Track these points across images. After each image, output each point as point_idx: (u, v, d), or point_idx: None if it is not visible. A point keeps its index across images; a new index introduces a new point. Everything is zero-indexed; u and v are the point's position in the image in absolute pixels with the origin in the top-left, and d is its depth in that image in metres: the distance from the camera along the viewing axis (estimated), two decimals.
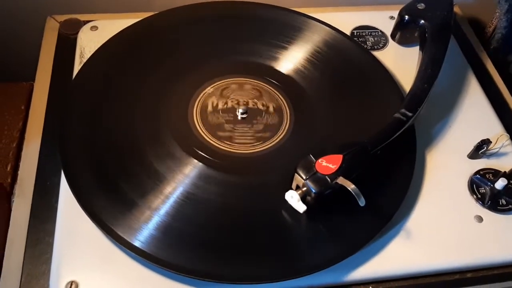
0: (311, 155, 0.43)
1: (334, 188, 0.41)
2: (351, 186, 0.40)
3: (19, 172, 0.48)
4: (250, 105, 0.52)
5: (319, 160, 0.42)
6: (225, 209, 0.45)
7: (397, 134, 0.46)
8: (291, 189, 0.43)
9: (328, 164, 0.42)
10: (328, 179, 0.41)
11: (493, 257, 0.46)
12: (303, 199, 0.42)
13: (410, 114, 0.47)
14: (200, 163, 0.47)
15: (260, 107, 0.52)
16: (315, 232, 0.44)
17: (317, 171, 0.42)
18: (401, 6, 0.59)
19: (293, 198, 0.42)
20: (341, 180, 0.41)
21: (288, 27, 0.58)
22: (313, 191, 0.41)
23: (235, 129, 0.50)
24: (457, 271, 0.45)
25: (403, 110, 0.48)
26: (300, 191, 0.42)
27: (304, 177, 0.42)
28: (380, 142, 0.45)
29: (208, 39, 0.57)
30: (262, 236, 0.44)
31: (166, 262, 0.41)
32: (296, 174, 0.42)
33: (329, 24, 0.59)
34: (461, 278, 0.45)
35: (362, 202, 0.40)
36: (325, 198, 0.42)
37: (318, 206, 0.42)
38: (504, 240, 0.46)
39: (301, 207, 0.42)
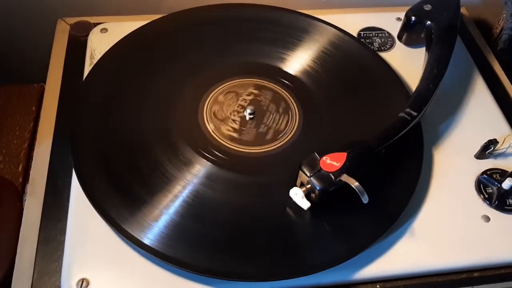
0: (315, 153, 0.43)
1: (338, 185, 0.41)
2: (354, 184, 0.40)
3: (30, 172, 0.49)
4: (258, 106, 0.52)
5: (324, 158, 0.43)
6: (233, 207, 0.45)
7: (401, 133, 0.46)
8: (296, 186, 0.44)
9: (332, 161, 0.42)
10: (332, 177, 0.42)
11: (500, 256, 0.46)
12: (308, 196, 0.43)
13: (415, 113, 0.48)
14: (209, 163, 0.47)
15: (268, 107, 0.52)
16: (322, 231, 0.44)
17: (321, 169, 0.42)
18: (407, 8, 0.59)
19: (297, 195, 0.43)
20: (345, 178, 0.41)
21: (295, 28, 0.59)
22: (317, 188, 0.41)
23: (243, 129, 0.50)
24: (464, 270, 0.45)
25: (408, 110, 0.48)
26: (304, 188, 0.42)
27: (308, 174, 0.42)
28: (385, 141, 0.45)
29: (217, 40, 0.58)
30: (270, 234, 0.44)
31: (176, 260, 0.41)
32: (300, 171, 0.43)
33: (336, 26, 0.59)
34: (468, 278, 0.45)
35: (365, 199, 0.40)
36: (329, 195, 0.42)
37: (322, 203, 0.43)
38: (511, 239, 0.46)
39: (305, 204, 0.42)
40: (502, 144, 0.51)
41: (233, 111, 0.52)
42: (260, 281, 0.42)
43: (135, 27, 0.57)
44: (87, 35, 0.59)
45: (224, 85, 0.54)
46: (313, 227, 0.44)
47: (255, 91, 0.54)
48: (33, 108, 0.57)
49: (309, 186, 0.42)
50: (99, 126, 0.49)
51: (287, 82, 0.55)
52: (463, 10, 0.68)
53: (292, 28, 0.59)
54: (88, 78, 0.53)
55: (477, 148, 0.51)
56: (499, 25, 0.68)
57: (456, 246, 0.46)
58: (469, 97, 0.57)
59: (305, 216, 0.44)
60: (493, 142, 0.50)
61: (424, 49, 0.57)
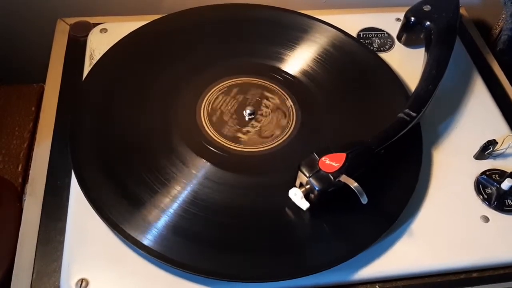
0: (314, 153, 0.43)
1: (337, 186, 0.41)
2: (353, 184, 0.40)
3: (30, 172, 0.49)
4: (257, 106, 0.52)
5: (323, 158, 0.43)
6: (232, 208, 0.45)
7: (400, 134, 0.46)
8: (295, 186, 0.44)
9: (331, 162, 0.42)
10: (331, 177, 0.42)
11: (499, 257, 0.46)
12: (307, 196, 0.43)
13: (414, 114, 0.48)
14: (208, 163, 0.47)
15: (267, 107, 0.52)
16: (322, 232, 0.44)
17: (320, 169, 0.42)
18: (407, 8, 0.59)
19: (296, 195, 0.43)
20: (344, 178, 0.41)
21: (295, 29, 0.59)
22: (316, 188, 0.41)
23: (242, 129, 0.50)
24: (463, 270, 0.45)
25: (407, 110, 0.48)
26: (303, 189, 0.42)
27: (307, 175, 0.42)
28: (384, 141, 0.45)
29: (216, 41, 0.58)
30: (269, 235, 0.44)
31: (175, 261, 0.41)
32: (299, 172, 0.43)
33: (335, 26, 0.59)
34: (466, 278, 0.45)
35: (364, 200, 0.40)
36: (328, 195, 0.42)
37: (321, 203, 0.43)
38: (510, 240, 0.46)
39: (304, 205, 0.42)
40: (501, 144, 0.51)
41: (232, 111, 0.52)
42: (259, 281, 0.42)
43: (135, 28, 0.57)
44: (87, 35, 0.59)
45: (223, 85, 0.54)
46: (312, 227, 0.44)
47: (254, 91, 0.54)
48: (33, 108, 0.57)
49: (308, 186, 0.42)
50: (99, 126, 0.49)
51: (286, 82, 0.55)
52: (462, 11, 0.68)
53: (291, 28, 0.59)
54: (87, 79, 0.53)
55: (476, 148, 0.51)
56: (498, 26, 0.68)
57: (455, 247, 0.46)
58: (469, 97, 0.57)
59: (304, 216, 0.44)
60: (492, 143, 0.50)
61: (423, 49, 0.57)
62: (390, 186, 0.47)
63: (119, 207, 0.44)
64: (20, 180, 0.51)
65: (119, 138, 0.49)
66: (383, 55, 0.59)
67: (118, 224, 0.43)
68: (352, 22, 0.63)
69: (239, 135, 0.50)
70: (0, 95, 0.58)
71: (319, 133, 0.51)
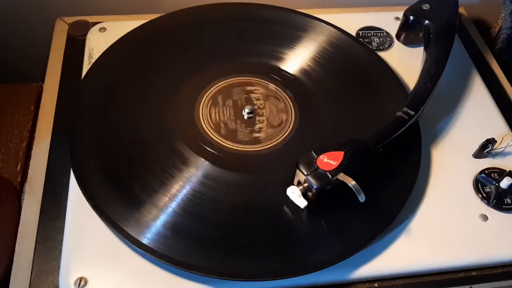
0: (312, 151, 0.43)
1: (335, 184, 0.41)
2: (351, 182, 0.40)
3: (29, 171, 0.49)
4: (256, 104, 0.52)
5: (321, 157, 0.43)
6: (231, 206, 0.45)
7: (398, 132, 0.46)
8: (293, 184, 0.44)
9: (329, 160, 0.42)
10: (329, 175, 0.42)
11: (498, 255, 0.46)
12: (305, 194, 0.43)
13: (412, 112, 0.48)
14: (207, 162, 0.47)
15: (266, 106, 0.52)
16: (321, 230, 0.44)
17: (318, 167, 0.42)
18: (406, 7, 0.59)
19: (294, 193, 0.43)
20: (341, 177, 0.41)
21: (294, 28, 0.59)
22: (314, 186, 0.41)
23: (241, 128, 0.50)
24: (462, 269, 0.46)
25: (405, 109, 0.48)
26: (301, 187, 0.42)
27: (305, 173, 0.42)
28: (382, 139, 0.45)
29: (215, 40, 0.58)
30: (268, 233, 0.44)
31: (174, 259, 0.41)
32: (297, 170, 0.43)
33: (334, 25, 0.59)
34: (465, 276, 0.45)
35: (362, 198, 0.40)
36: (326, 194, 0.42)
37: (319, 202, 0.43)
38: (509, 238, 0.46)
39: (302, 203, 0.42)
40: (500, 143, 0.51)
41: (232, 110, 0.52)
42: (257, 280, 0.42)
43: (134, 27, 0.57)
44: (86, 34, 0.59)
45: (222, 83, 0.54)
46: (310, 226, 0.44)
47: (253, 90, 0.54)
48: (32, 108, 0.57)
49: (306, 184, 0.42)
50: (97, 125, 0.49)
51: (285, 81, 0.55)
52: (461, 10, 0.68)
53: (290, 27, 0.59)
54: (86, 77, 0.53)
55: (475, 147, 0.51)
56: (497, 25, 0.68)
57: (454, 245, 0.46)
58: (467, 96, 0.57)
59: (302, 215, 0.44)
60: (491, 141, 0.50)
61: (422, 48, 0.57)
62: (389, 185, 0.47)
63: (118, 206, 0.44)
64: (19, 179, 0.51)
65: (118, 137, 0.49)
66: (382, 54, 0.59)
67: (117, 223, 0.43)
68: (351, 21, 0.63)
69: (238, 134, 0.50)
70: None
71: (318, 131, 0.51)
